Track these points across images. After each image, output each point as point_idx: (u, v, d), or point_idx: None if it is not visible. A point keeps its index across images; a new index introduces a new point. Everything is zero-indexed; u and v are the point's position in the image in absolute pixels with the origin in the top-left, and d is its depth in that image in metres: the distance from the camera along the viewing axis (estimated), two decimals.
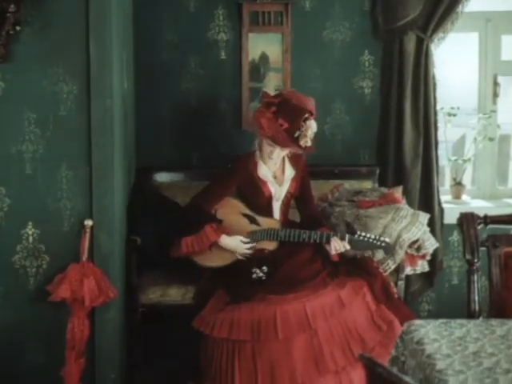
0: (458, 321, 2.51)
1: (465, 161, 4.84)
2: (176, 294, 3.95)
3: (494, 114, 4.83)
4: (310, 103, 3.76)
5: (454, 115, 4.80)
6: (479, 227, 2.93)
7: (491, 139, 4.83)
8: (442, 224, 4.65)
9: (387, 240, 3.69)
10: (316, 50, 4.64)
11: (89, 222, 3.60)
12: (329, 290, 3.58)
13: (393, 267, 3.93)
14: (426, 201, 4.60)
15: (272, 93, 3.97)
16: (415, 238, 3.93)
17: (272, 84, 4.56)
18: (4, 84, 3.57)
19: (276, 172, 3.88)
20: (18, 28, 3.48)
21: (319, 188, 4.25)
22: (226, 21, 4.62)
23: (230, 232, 3.78)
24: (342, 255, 3.75)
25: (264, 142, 3.77)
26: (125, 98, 4.03)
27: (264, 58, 4.63)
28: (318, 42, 4.64)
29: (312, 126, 3.71)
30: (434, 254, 4.26)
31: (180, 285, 3.95)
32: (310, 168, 4.00)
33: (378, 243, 3.67)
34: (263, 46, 4.62)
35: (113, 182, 3.64)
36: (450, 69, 4.83)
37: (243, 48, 4.60)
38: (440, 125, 4.68)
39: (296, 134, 3.69)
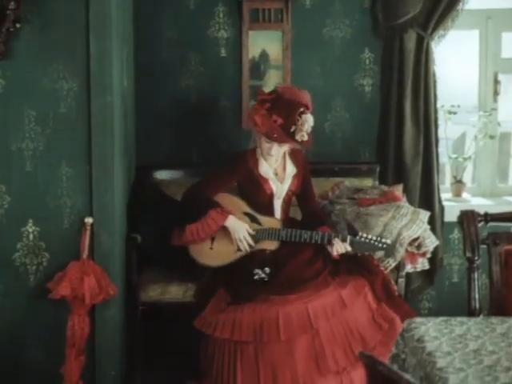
0: (459, 319, 2.51)
1: (465, 159, 4.84)
2: (176, 292, 3.95)
3: (494, 111, 4.83)
4: (305, 97, 3.75)
5: (455, 113, 4.80)
6: (480, 225, 2.93)
7: (492, 137, 4.83)
8: (443, 222, 4.65)
9: (388, 242, 3.68)
10: (316, 47, 4.64)
11: (89, 220, 3.60)
12: (330, 289, 3.57)
13: (393, 265, 3.93)
14: (427, 199, 4.60)
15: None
16: (416, 236, 3.93)
17: (272, 81, 4.55)
18: (4, 81, 3.57)
19: (277, 169, 3.87)
20: (18, 25, 3.48)
21: (319, 186, 4.24)
22: (226, 18, 4.62)
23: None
24: (342, 253, 3.74)
25: (262, 140, 3.77)
26: (125, 96, 4.03)
27: (264, 55, 4.63)
28: (318, 40, 4.63)
29: (308, 120, 3.69)
30: (435, 252, 4.26)
31: (180, 282, 3.95)
32: (310, 165, 3.99)
33: (380, 245, 3.65)
34: (263, 43, 4.62)
35: (113, 179, 3.64)
36: (450, 66, 4.82)
37: (243, 45, 4.60)
38: (440, 122, 4.67)
39: (292, 129, 3.68)
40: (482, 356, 2.20)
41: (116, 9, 3.69)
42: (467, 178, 4.95)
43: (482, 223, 2.95)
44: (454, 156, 4.89)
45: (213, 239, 3.81)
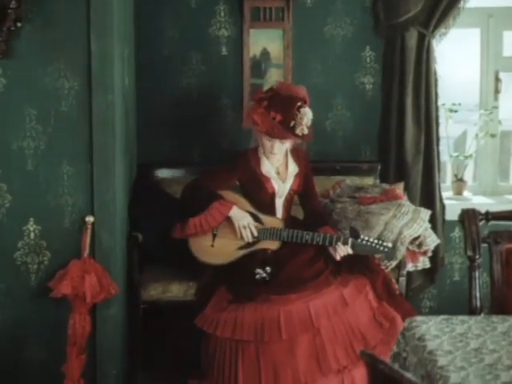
0: (460, 317, 2.51)
1: (466, 157, 4.84)
2: (177, 291, 3.96)
3: (495, 110, 4.83)
4: (301, 91, 3.75)
5: (456, 111, 4.80)
6: (481, 223, 2.93)
7: (493, 135, 4.83)
8: (444, 220, 4.65)
9: (389, 245, 3.66)
10: (317, 45, 4.64)
11: (90, 219, 3.60)
12: (332, 288, 3.57)
13: (394, 264, 3.93)
14: (428, 197, 4.59)
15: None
16: (416, 235, 3.93)
17: (273, 80, 4.52)
18: (5, 80, 3.57)
19: (279, 168, 3.87)
20: (19, 24, 3.48)
21: (321, 184, 4.24)
22: (227, 17, 4.61)
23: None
24: None
25: (263, 138, 3.76)
26: (126, 95, 4.03)
27: (265, 53, 4.62)
28: (319, 38, 4.63)
29: (307, 114, 3.69)
30: (436, 251, 4.26)
31: (182, 281, 3.95)
32: (311, 164, 3.99)
33: (381, 248, 3.63)
34: (264, 41, 4.62)
35: (114, 178, 3.64)
36: (451, 65, 4.82)
37: (244, 44, 4.59)
38: (441, 121, 4.67)
39: (291, 124, 3.68)
40: (483, 355, 2.20)
41: (117, 7, 3.69)
42: (468, 176, 4.95)
43: (483, 222, 2.95)
44: (455, 154, 4.89)
45: (214, 236, 3.81)
